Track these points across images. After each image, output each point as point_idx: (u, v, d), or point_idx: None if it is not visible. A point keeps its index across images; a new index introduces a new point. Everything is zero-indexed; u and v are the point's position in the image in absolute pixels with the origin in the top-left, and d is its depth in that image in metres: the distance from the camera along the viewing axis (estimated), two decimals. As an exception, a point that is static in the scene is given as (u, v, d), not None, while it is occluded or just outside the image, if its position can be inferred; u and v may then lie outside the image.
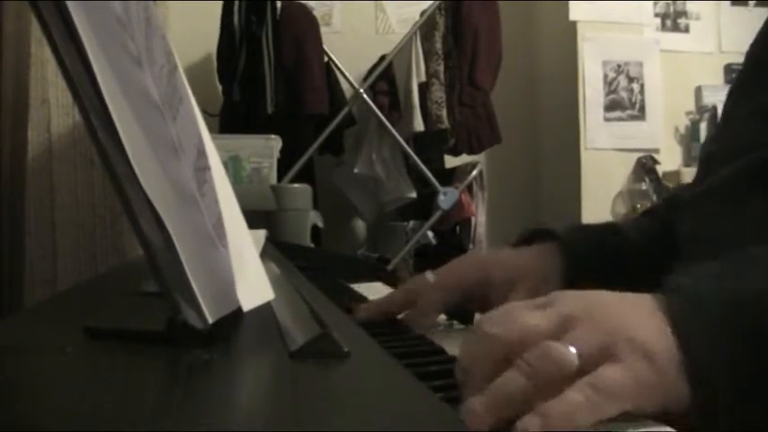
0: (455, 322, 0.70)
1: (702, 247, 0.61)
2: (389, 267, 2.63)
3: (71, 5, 0.32)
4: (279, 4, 2.63)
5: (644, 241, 0.73)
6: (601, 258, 0.70)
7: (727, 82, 3.18)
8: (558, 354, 0.37)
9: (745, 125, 0.62)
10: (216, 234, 0.39)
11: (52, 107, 2.12)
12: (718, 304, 0.40)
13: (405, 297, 0.69)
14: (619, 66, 3.12)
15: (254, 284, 0.46)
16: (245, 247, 0.47)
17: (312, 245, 2.08)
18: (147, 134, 0.35)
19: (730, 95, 0.69)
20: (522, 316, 0.40)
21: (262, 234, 0.94)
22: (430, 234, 2.82)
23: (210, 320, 0.38)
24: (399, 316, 0.69)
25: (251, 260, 0.49)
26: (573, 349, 0.37)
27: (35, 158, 2.12)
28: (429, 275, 0.69)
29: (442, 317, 0.71)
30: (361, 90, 2.73)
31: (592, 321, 0.39)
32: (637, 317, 0.39)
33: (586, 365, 0.37)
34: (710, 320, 0.39)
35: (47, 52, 2.05)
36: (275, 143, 2.26)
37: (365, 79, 2.83)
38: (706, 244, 0.61)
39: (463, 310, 0.70)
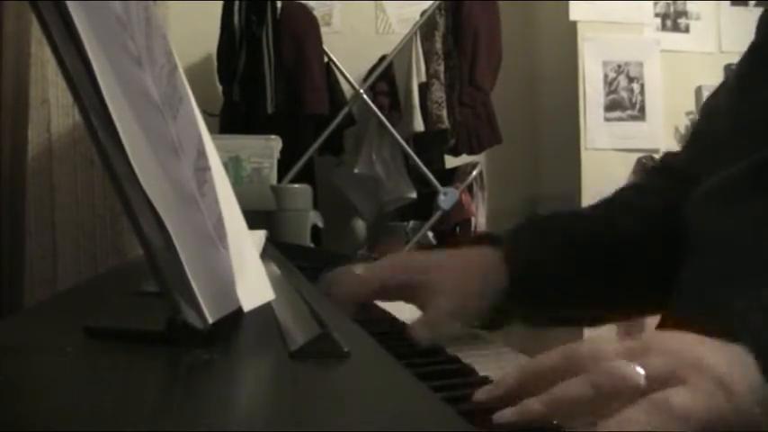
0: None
1: (705, 247, 0.61)
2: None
3: (71, 5, 0.32)
4: (279, 4, 2.63)
5: (644, 228, 0.73)
6: (546, 265, 0.69)
7: (727, 82, 3.17)
8: (625, 370, 0.37)
9: (749, 122, 0.62)
10: (216, 234, 0.39)
11: (52, 107, 2.12)
12: None
13: (327, 288, 0.68)
14: (619, 66, 3.12)
15: (254, 285, 0.46)
16: (245, 248, 0.47)
17: (312, 245, 2.08)
18: (147, 134, 0.35)
19: (733, 90, 0.69)
20: (601, 342, 0.41)
21: (262, 234, 0.94)
22: (430, 234, 2.81)
23: (210, 320, 0.38)
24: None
25: (251, 260, 0.49)
26: (640, 370, 0.37)
27: (35, 158, 2.12)
28: (358, 268, 0.68)
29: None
30: (361, 90, 2.73)
31: (665, 350, 0.39)
32: (714, 348, 0.39)
33: (655, 389, 0.36)
34: None
35: (47, 52, 2.05)
36: (275, 143, 2.26)
37: (365, 79, 2.83)
38: (708, 244, 0.61)
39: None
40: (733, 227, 0.58)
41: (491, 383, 0.40)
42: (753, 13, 3.24)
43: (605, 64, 3.11)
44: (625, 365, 0.37)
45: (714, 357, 0.38)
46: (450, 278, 0.65)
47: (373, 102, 2.74)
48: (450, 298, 0.64)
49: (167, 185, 0.36)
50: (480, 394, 0.40)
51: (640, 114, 3.12)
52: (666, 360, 0.38)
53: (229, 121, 2.60)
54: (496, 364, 0.55)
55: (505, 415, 0.36)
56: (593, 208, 0.77)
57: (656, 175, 0.80)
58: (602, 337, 0.42)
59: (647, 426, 0.35)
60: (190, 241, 0.37)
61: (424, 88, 2.75)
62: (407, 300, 0.67)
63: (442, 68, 2.75)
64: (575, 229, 0.72)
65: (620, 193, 0.78)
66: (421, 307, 0.66)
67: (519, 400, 0.38)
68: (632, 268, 0.71)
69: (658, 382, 0.37)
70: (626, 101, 3.12)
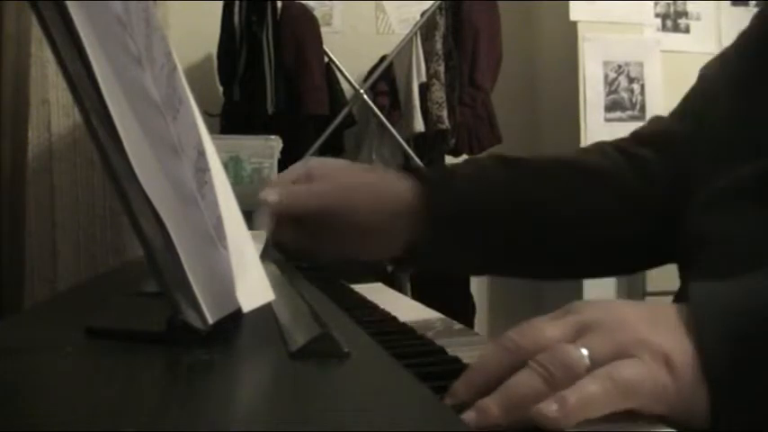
0: (455, 322, 0.70)
1: (715, 249, 0.60)
2: (389, 267, 2.63)
3: (71, 5, 0.32)
4: (279, 4, 2.63)
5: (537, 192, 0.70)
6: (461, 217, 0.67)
7: (727, 82, 3.18)
8: (568, 354, 0.37)
9: (754, 125, 0.61)
10: (216, 234, 0.39)
11: (52, 107, 2.12)
12: (745, 319, 0.39)
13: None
14: (619, 66, 3.12)
15: (254, 285, 0.46)
16: (245, 248, 0.47)
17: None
18: (147, 134, 0.35)
19: (736, 84, 0.67)
20: (539, 326, 0.41)
21: (262, 235, 0.94)
22: (430, 234, 2.81)
23: (211, 321, 0.38)
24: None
25: (251, 261, 0.49)
26: (584, 351, 0.37)
27: (35, 158, 2.12)
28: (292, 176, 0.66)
29: (435, 314, 0.71)
30: (362, 90, 2.73)
31: (606, 328, 0.39)
32: (655, 325, 0.39)
33: (598, 367, 0.37)
34: (735, 334, 0.39)
35: (47, 52, 2.05)
36: (276, 143, 2.26)
37: (365, 79, 2.83)
38: (719, 246, 0.60)
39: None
40: (747, 229, 0.57)
41: (445, 396, 0.39)
42: (753, 14, 3.24)
43: (605, 64, 3.11)
44: (569, 350, 0.37)
45: (657, 334, 0.38)
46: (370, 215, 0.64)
47: (373, 102, 2.74)
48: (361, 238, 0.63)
49: (167, 185, 0.36)
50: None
51: (641, 115, 3.12)
52: (608, 339, 0.38)
53: (229, 121, 2.60)
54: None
55: (466, 420, 0.36)
56: (552, 167, 0.74)
57: (641, 144, 0.78)
58: (536, 320, 0.41)
59: (602, 395, 0.35)
60: (190, 241, 0.37)
61: (424, 88, 2.75)
62: (322, 224, 0.66)
63: (442, 69, 2.75)
64: (518, 193, 0.69)
65: (593, 157, 0.75)
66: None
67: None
68: (581, 244, 0.70)
69: (602, 362, 0.37)
70: (626, 101, 3.12)
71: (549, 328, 0.40)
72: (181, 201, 0.37)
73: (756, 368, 0.38)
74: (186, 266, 0.37)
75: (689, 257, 0.64)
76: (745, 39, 0.68)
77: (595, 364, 0.37)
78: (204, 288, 0.38)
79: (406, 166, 0.71)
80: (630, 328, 0.39)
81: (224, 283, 0.40)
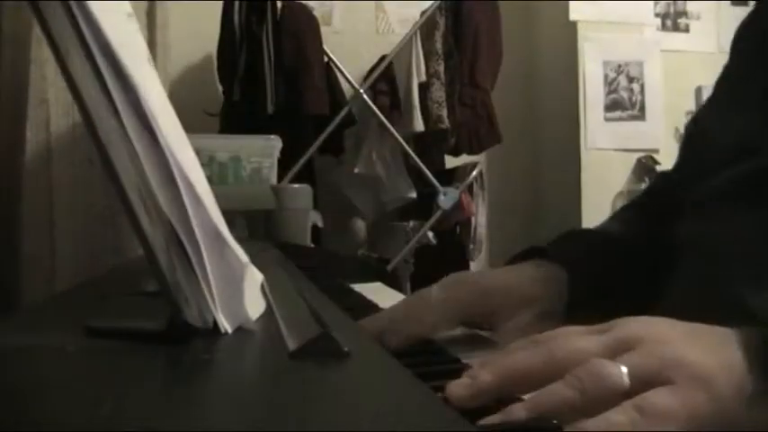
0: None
1: (708, 251, 0.60)
2: (389, 267, 2.63)
3: (76, 6, 0.32)
4: (279, 4, 2.63)
5: (634, 239, 0.72)
6: (601, 272, 0.68)
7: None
8: (607, 371, 0.36)
9: (750, 114, 0.60)
10: (223, 232, 0.39)
11: (51, 106, 2.12)
12: None
13: (405, 314, 0.61)
14: (619, 66, 3.12)
15: (255, 294, 0.46)
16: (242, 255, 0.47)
17: (312, 245, 2.08)
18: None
19: (727, 76, 0.68)
20: (576, 337, 0.39)
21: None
22: (430, 234, 2.81)
23: (229, 330, 0.38)
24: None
25: (250, 270, 0.49)
26: (624, 369, 0.36)
27: (34, 158, 2.12)
28: (435, 291, 0.65)
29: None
30: (362, 90, 2.73)
31: (649, 346, 0.38)
32: (701, 345, 0.38)
33: (638, 388, 0.36)
34: None
35: (46, 52, 2.05)
36: (275, 143, 2.26)
37: (365, 79, 2.83)
38: (712, 249, 0.60)
39: None
40: (732, 230, 0.57)
41: (464, 376, 0.38)
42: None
43: (605, 64, 3.11)
44: (608, 366, 0.36)
45: (701, 355, 0.37)
46: (517, 303, 0.64)
47: (373, 102, 2.74)
48: (519, 323, 0.63)
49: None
50: (455, 389, 0.38)
51: (640, 114, 3.12)
52: (649, 359, 0.37)
53: (229, 121, 2.60)
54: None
55: (492, 421, 0.35)
56: (618, 224, 0.77)
57: (654, 196, 0.79)
58: (574, 329, 0.40)
59: (628, 427, 0.34)
60: (201, 239, 0.37)
61: (424, 88, 2.75)
62: (474, 325, 0.66)
63: (442, 68, 2.75)
64: (614, 244, 0.71)
65: (632, 212, 0.78)
66: (490, 329, 0.65)
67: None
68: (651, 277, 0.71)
69: (642, 381, 0.36)
70: (626, 101, 3.12)
71: (585, 341, 0.39)
72: (191, 199, 0.37)
73: None
74: (197, 265, 0.37)
75: (674, 261, 0.64)
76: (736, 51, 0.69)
77: (634, 382, 0.36)
78: (218, 289, 0.38)
79: (536, 248, 0.70)
80: (671, 347, 0.37)
81: (235, 286, 0.40)
